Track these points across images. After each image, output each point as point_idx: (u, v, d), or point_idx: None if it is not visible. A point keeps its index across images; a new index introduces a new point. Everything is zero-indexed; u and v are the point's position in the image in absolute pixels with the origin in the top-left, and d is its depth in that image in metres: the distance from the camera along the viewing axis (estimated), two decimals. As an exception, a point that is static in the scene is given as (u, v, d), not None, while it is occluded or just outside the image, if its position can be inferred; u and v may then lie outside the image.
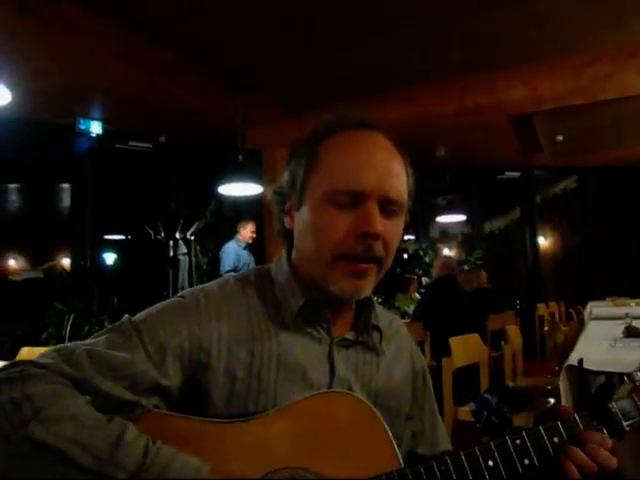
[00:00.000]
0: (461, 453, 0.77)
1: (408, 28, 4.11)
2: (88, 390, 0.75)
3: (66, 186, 7.11)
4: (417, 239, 8.22)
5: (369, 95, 5.08)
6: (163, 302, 0.91)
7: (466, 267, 6.23)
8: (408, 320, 4.78)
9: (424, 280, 7.34)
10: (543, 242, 8.47)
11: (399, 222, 0.92)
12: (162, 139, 6.29)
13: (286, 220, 0.96)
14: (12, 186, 7.90)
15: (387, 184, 0.87)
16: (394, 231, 0.90)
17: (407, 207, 0.95)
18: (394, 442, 0.81)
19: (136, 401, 0.77)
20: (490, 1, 3.68)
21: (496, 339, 4.37)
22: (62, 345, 0.81)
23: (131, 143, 6.17)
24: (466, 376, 3.14)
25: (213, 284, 0.96)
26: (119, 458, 0.67)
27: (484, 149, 7.06)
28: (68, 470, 0.67)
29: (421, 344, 4.34)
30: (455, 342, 2.91)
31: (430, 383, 1.13)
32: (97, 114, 5.50)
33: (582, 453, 0.78)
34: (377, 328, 0.99)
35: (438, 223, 8.26)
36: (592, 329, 3.55)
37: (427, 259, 7.41)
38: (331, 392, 0.87)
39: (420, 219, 8.37)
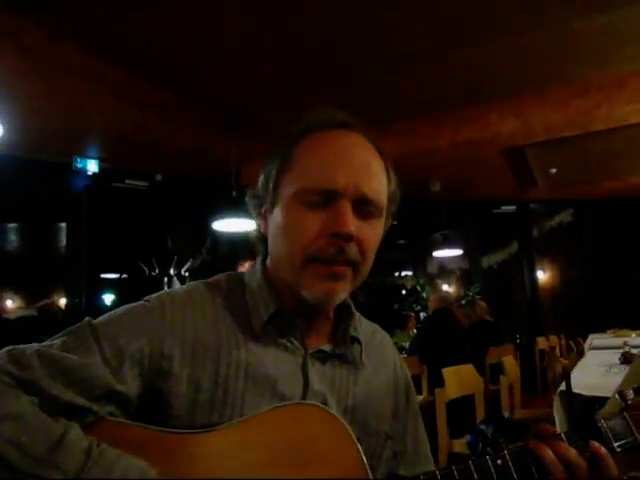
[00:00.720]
0: (437, 472, 0.73)
1: (400, 63, 4.19)
2: (35, 393, 0.71)
3: (63, 225, 7.14)
4: (415, 275, 8.19)
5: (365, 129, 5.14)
6: (127, 305, 0.85)
7: (464, 302, 6.17)
8: (405, 355, 4.71)
9: (422, 316, 7.27)
10: (542, 275, 8.43)
11: (376, 225, 0.86)
12: (158, 177, 6.33)
13: (261, 224, 0.92)
14: (10, 225, 7.92)
15: (363, 182, 0.82)
16: (370, 234, 0.84)
17: (388, 211, 0.90)
18: (365, 459, 0.75)
19: (88, 407, 0.73)
20: (478, 34, 3.77)
21: (495, 373, 4.29)
22: (15, 346, 0.76)
23: (128, 181, 6.21)
24: (462, 408, 3.07)
25: (181, 288, 0.91)
26: (58, 459, 0.64)
27: (479, 183, 7.09)
28: (1, 472, 0.63)
29: (417, 378, 4.27)
30: (448, 373, 2.85)
31: (415, 400, 1.05)
32: (94, 152, 5.55)
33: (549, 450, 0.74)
34: (356, 340, 0.92)
35: (435, 258, 8.24)
36: (589, 358, 3.50)
37: (425, 295, 7.36)
38: (299, 404, 0.81)
39: (417, 255, 8.36)
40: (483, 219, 8.32)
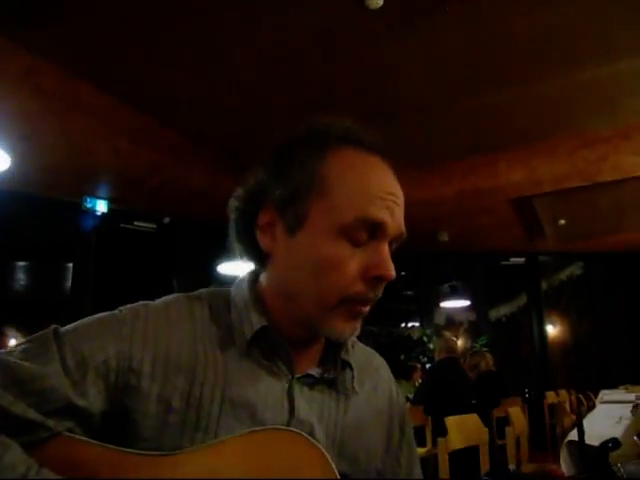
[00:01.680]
0: None
1: (406, 112, 4.25)
2: None
3: (70, 265, 7.16)
4: (422, 325, 8.06)
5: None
6: (98, 314, 0.79)
7: (470, 354, 6.04)
8: (409, 405, 4.58)
9: (428, 367, 7.12)
10: (551, 329, 8.28)
11: None
12: (166, 220, 6.38)
13: (262, 238, 0.80)
14: (18, 264, 7.95)
15: (402, 221, 0.78)
16: None
17: None
18: None
19: (41, 422, 0.65)
20: (486, 84, 3.83)
21: (501, 427, 4.14)
22: None
23: (136, 223, 6.25)
24: (466, 460, 2.94)
25: (160, 300, 0.84)
26: None
27: (488, 234, 7.07)
28: None
29: (422, 429, 4.13)
30: (452, 422, 2.73)
31: (410, 433, 0.96)
32: (104, 193, 5.61)
33: None
34: (348, 365, 0.84)
35: (443, 309, 8.14)
36: (599, 410, 3.36)
37: (432, 346, 7.21)
38: (275, 429, 0.71)
39: (424, 306, 8.26)
40: (491, 271, 8.25)
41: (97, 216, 5.71)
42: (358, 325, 0.78)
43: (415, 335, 7.68)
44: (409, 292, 8.84)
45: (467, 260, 7.87)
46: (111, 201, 5.69)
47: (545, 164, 4.68)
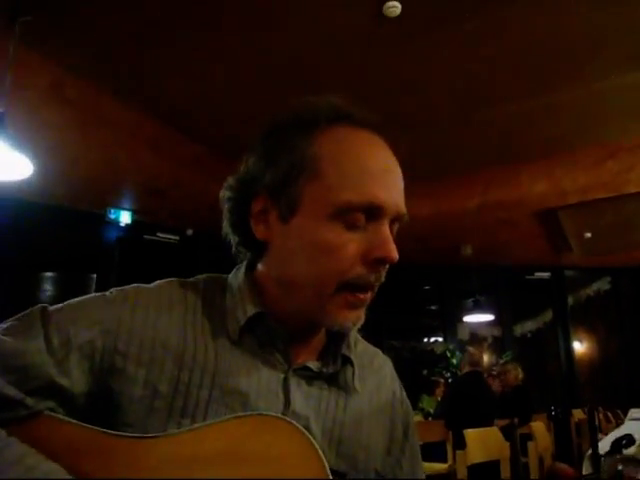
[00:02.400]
0: None
1: (426, 122, 4.23)
2: None
3: (94, 276, 7.26)
4: (445, 340, 7.95)
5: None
6: (88, 295, 0.77)
7: (495, 369, 5.93)
8: (430, 419, 4.51)
9: (451, 381, 7.02)
10: (578, 345, 8.08)
11: None
12: (189, 232, 6.43)
13: (256, 227, 0.77)
14: (43, 274, 8.10)
15: (401, 200, 0.74)
16: None
17: None
18: None
19: (20, 400, 0.64)
20: (506, 94, 3.79)
21: (525, 442, 4.04)
22: None
23: (159, 234, 6.31)
24: (487, 476, 2.86)
25: (153, 284, 0.81)
26: None
27: (512, 248, 6.96)
28: None
29: (442, 444, 4.05)
30: (471, 435, 2.67)
31: (415, 439, 0.92)
32: (127, 204, 5.70)
33: None
34: (349, 361, 0.81)
35: (467, 324, 8.02)
36: (626, 426, 3.25)
37: (455, 361, 7.10)
38: (262, 415, 0.67)
39: (448, 320, 8.15)
40: (516, 285, 8.10)
41: (121, 227, 5.79)
42: (361, 315, 0.75)
43: (438, 350, 7.59)
44: (432, 307, 8.74)
45: (491, 274, 7.74)
46: (135, 212, 5.77)
47: (569, 175, 4.60)
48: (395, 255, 0.71)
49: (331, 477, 0.59)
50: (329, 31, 3.15)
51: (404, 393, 0.94)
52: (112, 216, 5.61)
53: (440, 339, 8.14)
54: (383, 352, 0.95)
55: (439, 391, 6.37)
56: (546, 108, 3.91)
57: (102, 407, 0.69)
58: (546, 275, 8.06)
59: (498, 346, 8.04)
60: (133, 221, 5.77)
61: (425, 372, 7.12)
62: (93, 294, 0.77)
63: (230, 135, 4.60)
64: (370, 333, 0.93)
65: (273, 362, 0.76)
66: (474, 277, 7.39)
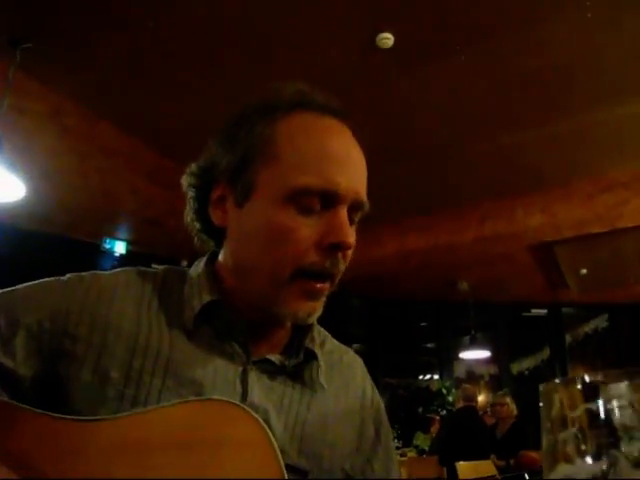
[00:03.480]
0: None
1: (420, 154, 4.27)
2: None
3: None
4: (441, 377, 7.84)
5: (385, 224, 5.15)
6: (43, 279, 0.75)
7: (489, 408, 5.82)
8: (424, 456, 4.40)
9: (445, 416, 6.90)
10: (577, 384, 7.96)
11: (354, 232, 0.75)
12: (184, 263, 6.40)
13: (214, 213, 0.76)
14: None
15: (361, 186, 0.72)
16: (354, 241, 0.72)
17: None
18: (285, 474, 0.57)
19: None
20: (500, 126, 3.83)
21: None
22: None
23: (154, 265, 6.24)
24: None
25: (112, 271, 0.79)
26: None
27: (508, 284, 6.93)
28: None
29: (437, 481, 3.94)
30: (464, 468, 2.60)
31: (388, 437, 0.88)
32: (123, 234, 5.69)
33: None
34: (313, 355, 0.77)
35: (463, 361, 7.92)
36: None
37: (451, 398, 6.99)
38: (213, 400, 0.64)
39: (444, 358, 8.06)
40: (513, 322, 8.05)
41: (115, 257, 5.75)
42: (317, 306, 0.72)
43: (434, 387, 7.47)
44: (429, 344, 8.65)
45: (488, 311, 7.68)
46: (130, 243, 5.75)
47: (564, 209, 4.62)
48: (350, 240, 0.69)
49: (282, 462, 0.56)
50: (322, 63, 3.20)
51: (376, 391, 0.91)
52: (107, 246, 5.58)
53: (436, 376, 8.04)
54: (379, 389, 0.92)
55: (434, 429, 6.24)
56: (540, 141, 3.95)
57: (50, 394, 0.66)
58: (543, 312, 8.00)
59: (495, 384, 7.93)
60: (128, 251, 5.75)
61: (420, 409, 7.01)
62: (49, 278, 0.75)
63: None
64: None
65: (231, 354, 0.73)
66: (471, 314, 7.33)
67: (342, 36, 3.00)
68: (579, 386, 0.38)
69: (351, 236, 0.69)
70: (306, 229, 0.68)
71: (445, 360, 8.03)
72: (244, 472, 0.56)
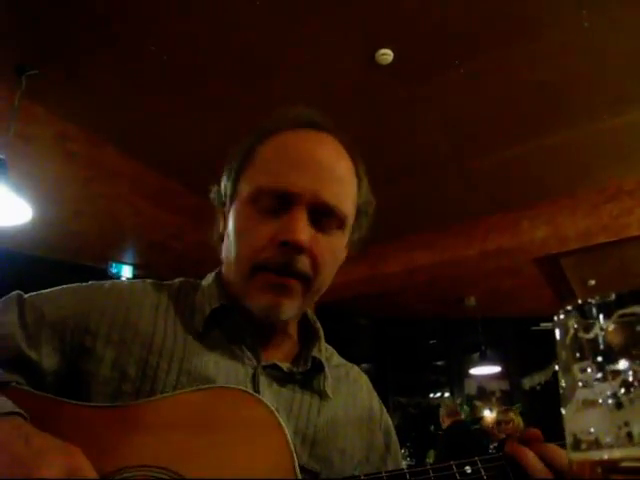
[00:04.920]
0: (383, 473, 0.62)
1: (422, 170, 4.28)
2: None
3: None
4: (452, 394, 7.76)
5: (389, 242, 5.14)
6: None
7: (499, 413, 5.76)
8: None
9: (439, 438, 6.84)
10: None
11: (337, 238, 0.78)
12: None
13: (221, 225, 0.85)
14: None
15: (323, 188, 0.74)
16: (326, 247, 0.76)
17: (357, 222, 0.82)
18: (295, 458, 0.61)
19: None
20: (502, 139, 3.84)
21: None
22: None
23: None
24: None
25: (129, 280, 0.88)
26: None
27: (515, 298, 6.89)
28: None
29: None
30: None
31: (397, 451, 0.91)
32: (129, 259, 5.71)
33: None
34: (320, 365, 0.81)
35: (474, 378, 7.84)
36: None
37: (463, 416, 6.90)
38: (224, 387, 0.69)
39: (454, 375, 7.98)
40: (522, 337, 7.97)
41: (122, 282, 5.75)
42: (284, 302, 0.75)
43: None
44: (439, 362, 8.59)
45: (496, 327, 7.63)
46: (136, 267, 5.78)
47: (569, 220, 4.60)
48: (296, 238, 0.72)
49: (292, 443, 0.60)
50: (321, 80, 3.23)
51: (384, 408, 0.94)
52: (114, 270, 5.61)
53: (447, 394, 7.96)
54: (388, 409, 0.96)
55: (447, 447, 6.16)
56: (543, 152, 3.95)
57: (70, 387, 0.69)
58: (552, 325, 7.92)
59: (507, 400, 7.83)
60: (134, 276, 5.76)
61: (432, 427, 6.92)
62: (71, 284, 0.81)
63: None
64: (376, 390, 0.95)
65: (241, 357, 0.77)
66: (480, 330, 7.29)
67: (341, 53, 3.03)
68: (593, 309, 0.39)
69: (300, 234, 0.72)
70: (263, 227, 0.74)
71: (455, 377, 7.97)
72: (257, 452, 0.60)
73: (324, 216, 0.75)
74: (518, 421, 5.03)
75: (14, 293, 0.76)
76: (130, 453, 0.60)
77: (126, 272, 5.71)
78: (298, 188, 0.73)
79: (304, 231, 0.72)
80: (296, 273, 0.74)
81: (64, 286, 0.80)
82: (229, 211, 0.81)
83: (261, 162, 0.78)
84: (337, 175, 0.77)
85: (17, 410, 0.58)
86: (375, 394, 0.94)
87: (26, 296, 0.76)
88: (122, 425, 0.62)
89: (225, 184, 0.83)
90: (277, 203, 0.74)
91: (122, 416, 0.63)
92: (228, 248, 0.79)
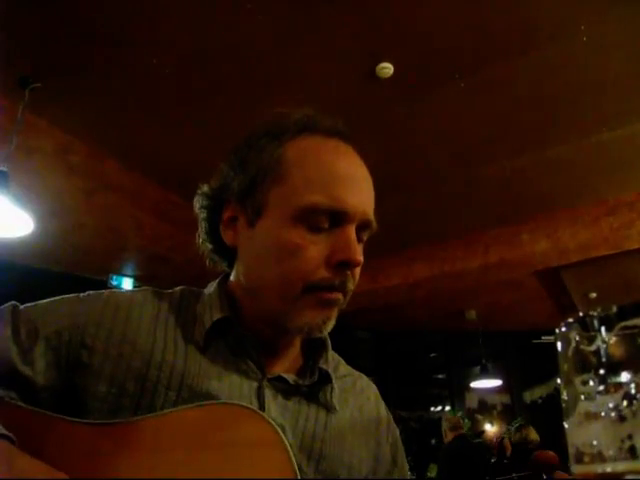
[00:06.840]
0: None
1: (422, 183, 4.28)
2: None
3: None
4: (453, 408, 7.71)
5: (389, 255, 5.14)
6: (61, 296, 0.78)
7: (512, 427, 5.68)
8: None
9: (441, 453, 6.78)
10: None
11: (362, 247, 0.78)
12: (191, 298, 6.40)
13: (225, 234, 0.79)
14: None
15: (369, 205, 0.74)
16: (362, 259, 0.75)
17: None
18: (298, 477, 0.59)
19: None
20: (502, 151, 3.86)
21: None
22: None
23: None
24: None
25: (129, 289, 0.83)
26: None
27: (516, 311, 6.87)
28: None
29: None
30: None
31: (404, 465, 0.88)
32: (130, 271, 5.70)
33: None
34: (327, 377, 0.78)
35: (475, 391, 7.80)
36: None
37: (464, 429, 6.86)
38: (226, 403, 0.66)
39: (455, 388, 7.94)
40: (523, 350, 7.93)
41: (122, 294, 5.74)
42: (331, 315, 0.73)
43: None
44: (439, 375, 8.55)
45: (497, 340, 7.61)
46: (136, 279, 5.77)
47: (569, 233, 4.61)
48: (358, 257, 0.71)
49: (296, 463, 0.58)
50: (322, 94, 3.24)
51: (391, 418, 0.92)
52: (114, 283, 5.60)
53: (448, 407, 7.91)
54: None
55: (448, 461, 6.11)
56: (543, 165, 3.97)
57: (66, 403, 0.67)
58: (553, 338, 7.89)
59: (508, 413, 7.79)
60: (135, 288, 5.74)
61: (434, 441, 6.87)
62: (67, 295, 0.78)
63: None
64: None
65: (246, 370, 0.74)
66: (481, 343, 7.26)
67: (342, 66, 3.06)
68: (595, 321, 0.39)
69: (359, 254, 0.71)
70: (315, 247, 0.70)
71: (456, 391, 7.92)
72: (259, 471, 0.57)
73: (363, 232, 0.75)
74: (535, 433, 4.93)
75: (8, 304, 0.74)
76: (126, 473, 0.58)
77: (127, 284, 5.70)
78: (353, 208, 0.72)
79: (359, 251, 0.72)
80: (345, 292, 0.73)
81: (60, 297, 0.77)
82: (252, 225, 0.75)
83: (300, 173, 0.73)
84: (371, 191, 0.78)
85: (3, 432, 0.56)
86: (383, 404, 0.92)
87: (21, 307, 0.74)
88: (118, 443, 0.60)
89: (239, 189, 0.76)
90: (330, 221, 0.71)
91: (119, 434, 0.61)
92: (262, 267, 0.74)
